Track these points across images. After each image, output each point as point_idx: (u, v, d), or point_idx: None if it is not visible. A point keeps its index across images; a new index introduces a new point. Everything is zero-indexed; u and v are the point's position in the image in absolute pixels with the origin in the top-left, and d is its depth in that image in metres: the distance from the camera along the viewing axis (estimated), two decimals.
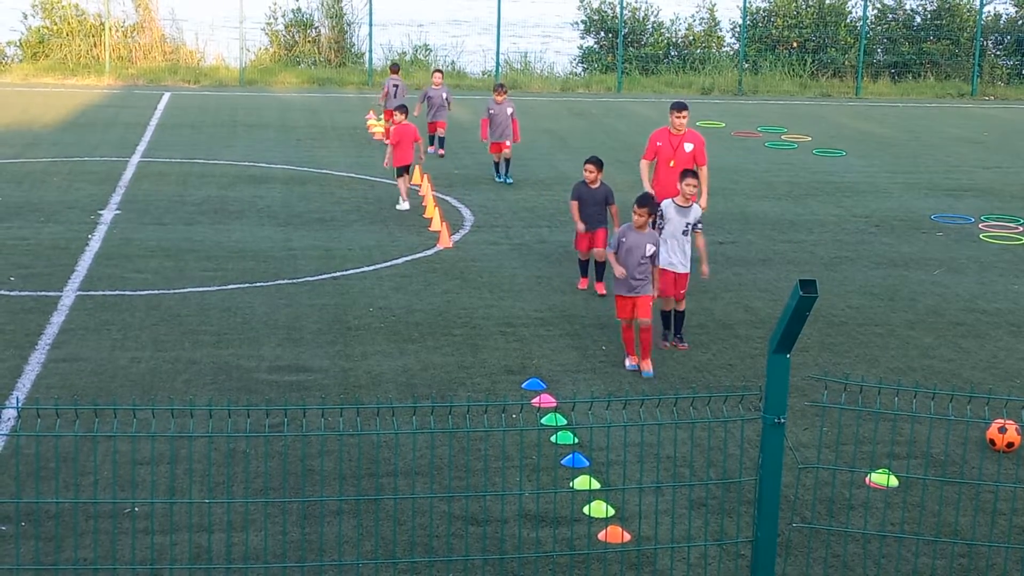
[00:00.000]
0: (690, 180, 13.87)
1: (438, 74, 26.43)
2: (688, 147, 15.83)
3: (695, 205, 13.98)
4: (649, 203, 13.22)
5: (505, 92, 23.43)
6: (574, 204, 15.89)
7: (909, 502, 10.20)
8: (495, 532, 9.48)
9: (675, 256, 13.92)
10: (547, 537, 9.43)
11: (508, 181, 22.98)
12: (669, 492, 10.17)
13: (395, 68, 27.85)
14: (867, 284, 16.86)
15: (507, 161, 23.09)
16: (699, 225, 13.97)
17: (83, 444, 10.48)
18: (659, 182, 15.84)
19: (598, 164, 15.83)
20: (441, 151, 25.64)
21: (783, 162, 26.31)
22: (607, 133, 29.82)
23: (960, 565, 9.23)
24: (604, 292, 15.57)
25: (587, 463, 10.68)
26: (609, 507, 9.84)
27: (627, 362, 13.23)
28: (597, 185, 15.79)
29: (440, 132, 25.73)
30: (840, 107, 36.56)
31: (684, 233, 13.90)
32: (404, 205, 20.54)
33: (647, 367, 13.02)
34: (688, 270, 14.04)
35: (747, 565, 8.95)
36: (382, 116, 27.88)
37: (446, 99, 25.76)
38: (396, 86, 26.86)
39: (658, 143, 15.96)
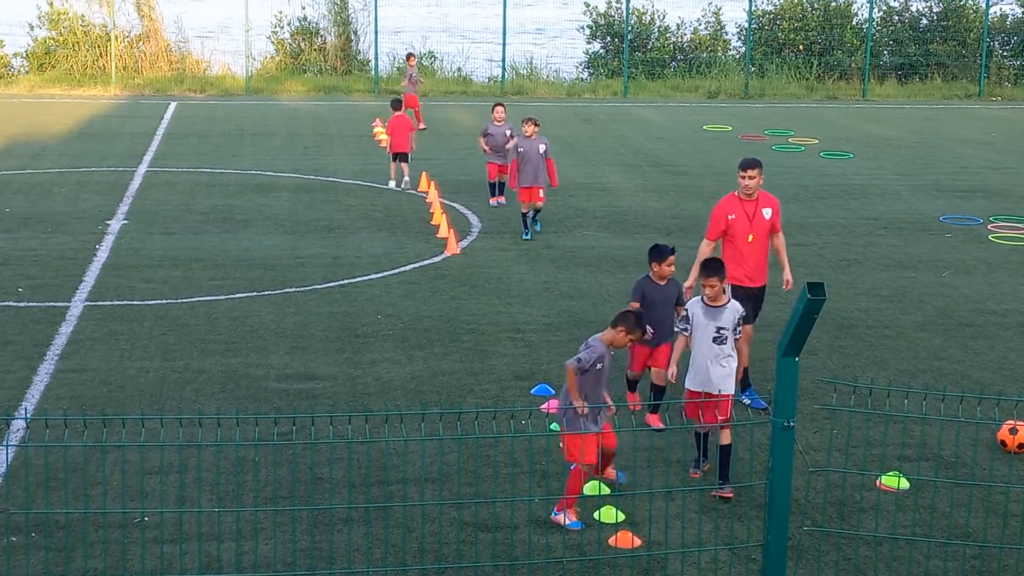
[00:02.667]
0: (712, 279, 10.66)
1: (500, 108, 21.66)
2: (767, 213, 12.57)
3: (732, 303, 10.67)
4: (639, 324, 10.07)
5: (537, 125, 19.51)
6: (636, 307, 11.60)
7: (920, 504, 10.17)
8: (505, 539, 9.46)
9: (704, 372, 10.47)
10: (557, 543, 9.41)
11: (536, 229, 19.35)
12: (679, 497, 10.15)
13: (410, 56, 32.18)
14: (876, 286, 16.82)
15: (536, 210, 19.28)
16: (738, 329, 10.59)
17: (92, 454, 10.48)
18: (737, 264, 12.44)
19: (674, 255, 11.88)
20: (501, 197, 21.39)
21: (790, 165, 26.27)
22: (614, 138, 29.80)
23: (972, 567, 9.20)
24: (662, 426, 11.60)
25: None
26: (619, 512, 9.82)
27: (565, 518, 9.71)
28: (665, 282, 11.88)
29: (503, 177, 21.24)
30: (847, 109, 36.52)
31: (717, 340, 10.46)
32: (391, 184, 23.14)
33: (610, 473, 10.35)
34: (730, 391, 10.58)
35: (758, 569, 8.92)
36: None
37: (509, 137, 20.95)
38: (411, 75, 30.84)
39: (730, 216, 12.50)
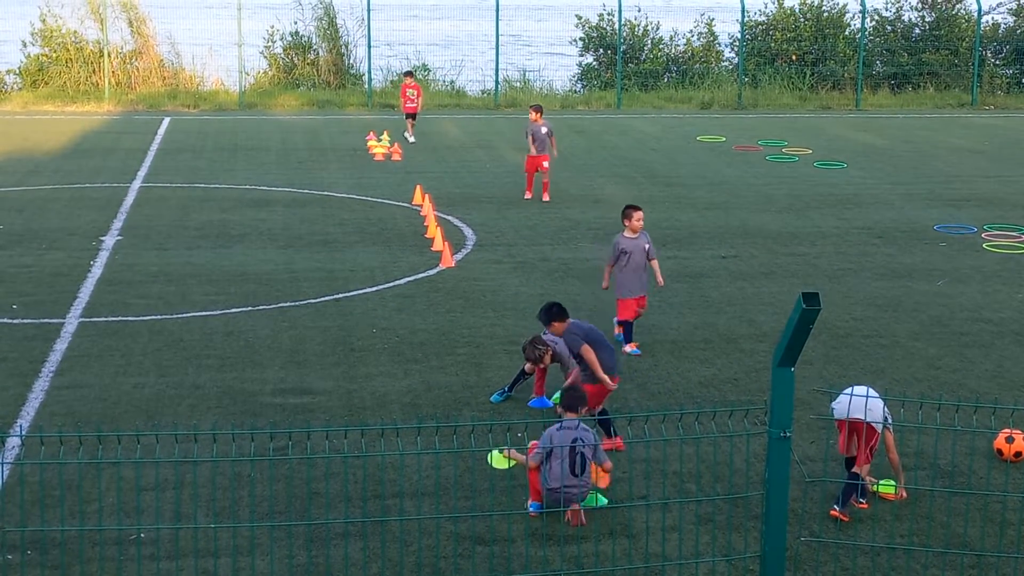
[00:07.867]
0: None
1: (638, 213, 14.54)
2: None
3: None
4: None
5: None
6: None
7: (917, 514, 10.16)
8: (502, 551, 9.44)
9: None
10: (554, 556, 9.40)
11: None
12: (676, 508, 10.14)
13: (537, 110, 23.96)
14: (871, 296, 16.82)
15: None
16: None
17: (88, 471, 10.46)
18: None
19: None
20: (635, 344, 14.34)
21: (784, 175, 26.30)
22: (608, 150, 29.82)
23: None
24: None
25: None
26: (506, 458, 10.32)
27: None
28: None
29: (640, 310, 14.64)
30: (840, 119, 36.57)
31: None
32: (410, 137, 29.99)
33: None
34: None
35: None
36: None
37: (646, 249, 14.52)
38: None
39: None
